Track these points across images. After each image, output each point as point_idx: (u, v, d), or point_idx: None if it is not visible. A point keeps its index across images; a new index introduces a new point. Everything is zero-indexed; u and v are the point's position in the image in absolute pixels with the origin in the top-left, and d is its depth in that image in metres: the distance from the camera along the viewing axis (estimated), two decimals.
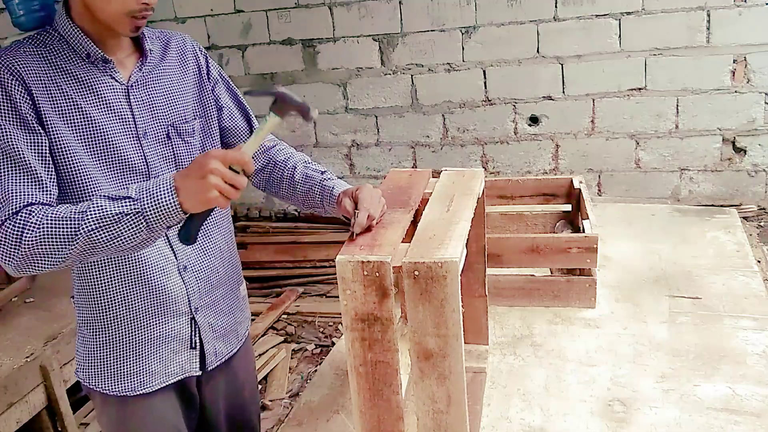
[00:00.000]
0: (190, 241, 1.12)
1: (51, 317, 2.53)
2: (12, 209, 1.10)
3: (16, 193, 1.11)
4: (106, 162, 1.22)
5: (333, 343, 3.15)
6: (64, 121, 1.17)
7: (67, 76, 1.19)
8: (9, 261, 1.10)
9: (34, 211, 1.10)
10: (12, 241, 1.08)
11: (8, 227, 1.09)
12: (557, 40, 3.63)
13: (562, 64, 3.68)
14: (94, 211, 1.07)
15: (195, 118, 1.35)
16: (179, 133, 1.32)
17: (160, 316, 1.31)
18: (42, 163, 1.15)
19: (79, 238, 1.07)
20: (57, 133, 1.17)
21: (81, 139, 1.19)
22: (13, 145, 1.12)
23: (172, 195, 1.06)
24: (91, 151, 1.20)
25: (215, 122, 1.40)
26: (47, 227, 1.08)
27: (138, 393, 1.32)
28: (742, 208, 3.57)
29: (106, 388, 1.33)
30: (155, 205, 1.06)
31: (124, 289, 1.27)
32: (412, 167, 4.06)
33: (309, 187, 1.38)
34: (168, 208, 1.06)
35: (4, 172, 1.12)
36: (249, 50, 4.13)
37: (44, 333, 2.42)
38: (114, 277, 1.27)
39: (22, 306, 2.64)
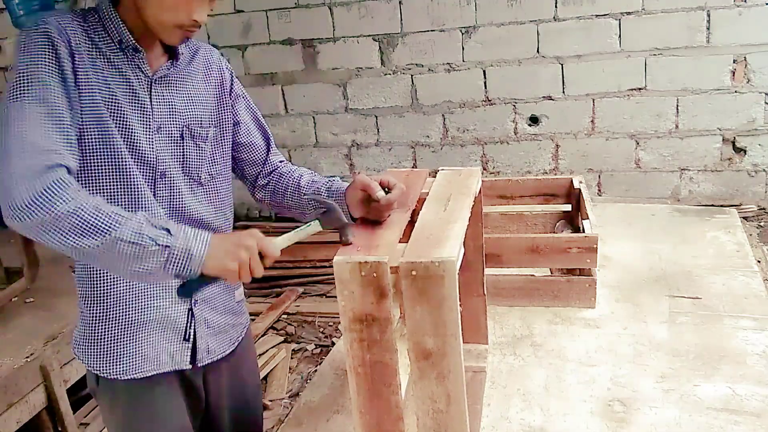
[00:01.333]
0: (187, 297, 1.16)
1: (51, 317, 2.53)
2: (47, 162, 1.06)
3: (50, 147, 1.08)
4: (120, 146, 1.23)
5: (333, 343, 3.15)
6: (95, 94, 1.19)
7: (101, 55, 1.21)
8: (26, 215, 1.03)
9: (71, 183, 1.07)
10: (45, 197, 1.03)
11: (42, 181, 1.04)
12: (557, 40, 3.63)
13: (562, 64, 3.68)
14: (135, 224, 1.07)
15: (210, 126, 1.37)
16: (192, 135, 1.33)
17: (160, 300, 1.31)
18: (74, 126, 1.16)
19: (107, 238, 1.05)
20: (88, 103, 1.18)
21: (97, 115, 1.20)
22: (54, 99, 1.12)
23: (203, 248, 1.10)
24: (110, 131, 1.21)
25: (229, 135, 1.43)
26: (84, 209, 1.05)
27: (129, 377, 1.31)
28: (742, 208, 3.57)
29: (100, 369, 1.32)
30: (185, 249, 1.08)
31: (117, 275, 1.28)
32: (412, 167, 4.06)
33: (315, 189, 1.40)
34: (194, 258, 1.09)
35: (44, 122, 1.10)
36: (249, 50, 4.13)
37: (44, 333, 2.42)
38: None
39: (22, 306, 2.64)
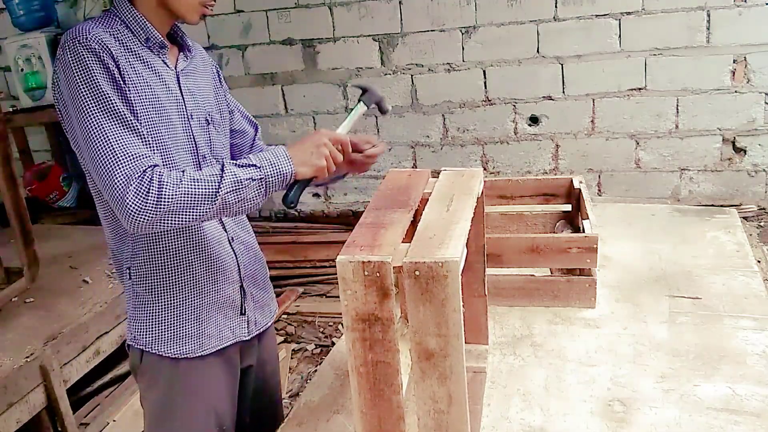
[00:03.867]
0: (295, 204, 1.29)
1: (51, 317, 2.53)
2: (141, 166, 1.18)
3: (138, 152, 1.19)
4: (162, 138, 1.30)
5: (333, 343, 3.15)
6: (140, 93, 1.26)
7: (133, 54, 1.28)
8: (145, 214, 1.16)
9: (164, 171, 1.19)
10: (153, 194, 1.16)
11: (146, 182, 1.16)
12: (557, 40, 3.63)
13: (562, 64, 3.68)
14: (228, 175, 1.20)
15: (221, 112, 1.50)
16: (214, 121, 1.44)
17: (215, 282, 1.42)
18: (141, 128, 1.24)
19: (218, 199, 1.19)
20: (137, 104, 1.26)
21: (149, 112, 1.28)
22: (120, 109, 1.21)
23: (289, 163, 1.25)
24: (153, 127, 1.29)
25: (227, 122, 1.55)
26: (188, 185, 1.18)
27: (197, 355, 1.40)
28: (742, 208, 3.57)
29: (164, 350, 1.39)
30: (276, 172, 1.23)
31: (185, 257, 1.37)
32: (412, 167, 4.06)
33: None
34: (285, 174, 1.25)
35: (120, 132, 1.19)
36: (249, 50, 4.13)
37: (44, 333, 2.41)
38: (177, 246, 1.36)
39: (22, 306, 2.64)
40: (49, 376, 2.28)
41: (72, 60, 1.20)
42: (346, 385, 1.50)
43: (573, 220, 1.98)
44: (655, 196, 3.74)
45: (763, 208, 3.64)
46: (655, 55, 3.53)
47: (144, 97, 1.27)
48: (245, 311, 1.49)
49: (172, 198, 1.16)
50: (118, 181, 1.16)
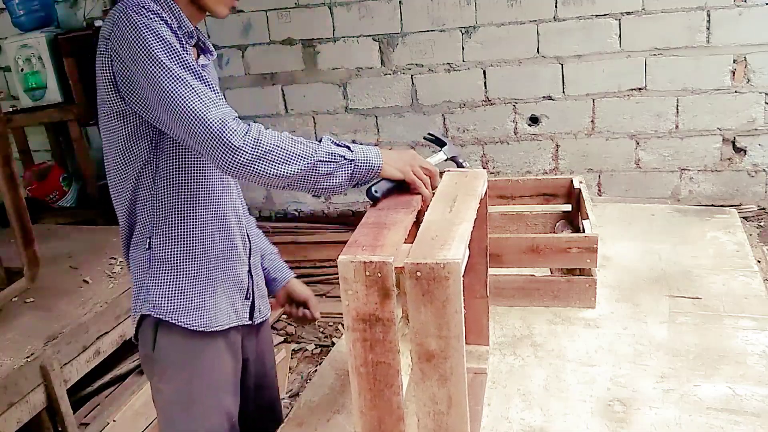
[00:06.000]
0: (378, 194, 1.27)
1: (51, 317, 2.53)
2: (233, 113, 1.20)
3: (226, 104, 1.21)
4: None
5: (333, 343, 3.15)
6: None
7: (174, 33, 1.27)
8: (244, 151, 1.16)
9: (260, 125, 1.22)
10: (253, 134, 1.17)
11: (243, 124, 1.18)
12: (557, 40, 3.63)
13: (562, 64, 3.68)
14: (325, 146, 1.23)
15: None
16: None
17: (229, 259, 1.44)
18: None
19: (310, 161, 1.20)
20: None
21: None
22: (194, 66, 1.22)
23: (379, 157, 1.27)
24: None
25: None
26: (287, 140, 1.21)
27: (211, 329, 1.41)
28: (742, 208, 3.57)
29: (182, 319, 1.39)
30: (366, 159, 1.25)
31: (209, 228, 1.40)
32: None
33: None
34: (374, 166, 1.26)
35: (201, 85, 1.20)
36: (249, 50, 4.13)
37: (44, 333, 2.41)
38: (201, 216, 1.38)
39: (22, 306, 2.64)
40: (49, 376, 2.28)
41: (139, 20, 1.20)
42: (346, 385, 1.50)
43: (573, 220, 1.98)
44: (655, 196, 3.74)
45: (763, 208, 3.64)
46: (655, 55, 3.53)
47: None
48: (250, 296, 1.52)
49: (269, 144, 1.18)
50: (214, 120, 1.17)
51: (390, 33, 3.88)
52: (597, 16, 3.54)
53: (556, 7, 3.59)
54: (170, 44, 1.20)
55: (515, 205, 2.04)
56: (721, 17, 3.40)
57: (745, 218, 3.51)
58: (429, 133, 1.57)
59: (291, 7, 3.97)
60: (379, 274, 1.00)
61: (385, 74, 3.97)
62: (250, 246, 1.53)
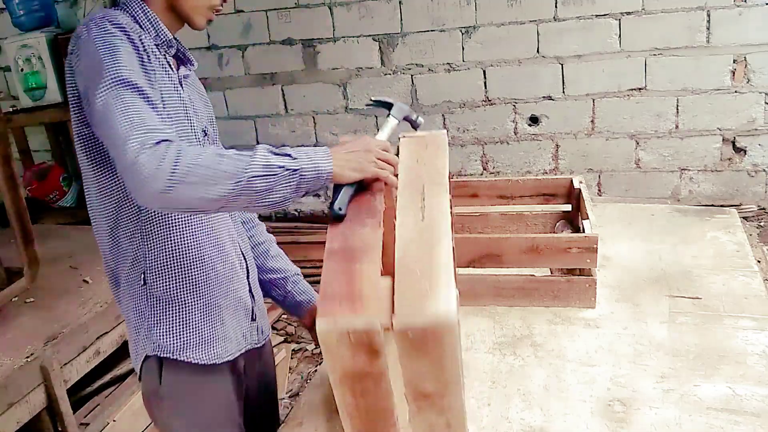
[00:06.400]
0: (342, 212, 1.12)
1: (51, 317, 2.53)
2: (157, 136, 1.06)
3: (155, 126, 1.08)
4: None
5: None
6: (159, 86, 1.20)
7: (147, 52, 1.20)
8: (158, 181, 1.03)
9: (184, 145, 1.08)
10: (169, 160, 1.03)
11: (161, 148, 1.04)
12: (557, 40, 3.63)
13: (562, 64, 3.68)
14: (260, 158, 1.07)
15: (212, 126, 1.43)
16: (208, 134, 1.38)
17: (231, 283, 1.37)
18: (163, 107, 1.18)
19: (242, 180, 1.05)
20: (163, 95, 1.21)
21: (165, 109, 1.22)
22: (139, 82, 1.12)
23: (328, 160, 1.11)
24: (181, 119, 1.26)
25: (218, 139, 1.49)
26: (211, 158, 1.05)
27: (223, 360, 1.35)
28: (742, 208, 3.57)
29: (192, 356, 1.32)
30: (313, 166, 1.09)
31: (207, 253, 1.31)
32: None
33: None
34: (322, 171, 1.10)
35: (139, 104, 1.10)
36: (249, 50, 4.13)
37: (44, 333, 2.41)
38: (197, 242, 1.30)
39: (22, 306, 2.64)
40: (49, 376, 2.28)
41: (96, 33, 1.14)
42: None
43: (573, 220, 1.98)
44: (655, 196, 3.74)
45: (763, 208, 3.64)
46: (655, 55, 3.53)
47: (161, 91, 1.21)
48: (255, 317, 1.45)
49: (189, 167, 1.03)
50: (131, 147, 1.04)
51: (390, 33, 3.88)
52: (597, 16, 3.54)
53: (556, 7, 3.59)
54: (121, 57, 1.12)
55: (515, 205, 2.04)
56: (721, 17, 3.40)
57: (745, 218, 3.51)
58: (371, 99, 1.46)
59: (291, 7, 3.97)
60: (365, 338, 0.89)
61: (385, 74, 3.97)
62: (247, 264, 1.45)
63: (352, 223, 1.09)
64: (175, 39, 1.32)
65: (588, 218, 1.76)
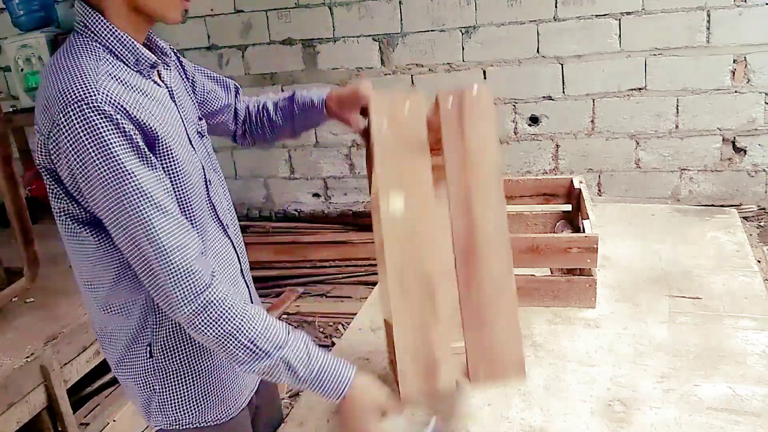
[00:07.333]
0: None
1: (51, 317, 2.53)
2: (198, 284, 1.04)
3: (193, 263, 1.04)
4: (188, 169, 1.15)
5: (333, 343, 3.15)
6: (160, 132, 1.08)
7: (131, 88, 1.07)
8: (192, 329, 1.06)
9: (224, 301, 1.06)
10: (209, 315, 1.05)
11: (214, 312, 1.05)
12: (557, 40, 3.63)
13: (562, 64, 3.68)
14: (294, 352, 1.09)
15: (200, 117, 1.34)
16: (204, 130, 1.30)
17: None
18: (180, 204, 1.10)
19: (275, 357, 1.07)
20: (165, 147, 1.08)
21: (174, 148, 1.12)
22: (156, 190, 1.03)
23: (341, 394, 1.11)
24: (182, 159, 1.14)
25: (208, 107, 1.41)
26: (247, 332, 1.07)
27: (237, 413, 1.30)
28: (742, 208, 3.57)
29: (213, 418, 1.26)
30: (323, 388, 1.11)
31: None
32: None
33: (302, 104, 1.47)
34: (330, 393, 1.11)
35: (167, 226, 1.03)
36: (249, 50, 4.13)
37: (44, 333, 2.41)
38: None
39: (22, 306, 2.64)
40: (49, 376, 2.28)
41: (82, 130, 0.98)
42: None
43: (573, 220, 1.98)
44: (655, 196, 3.74)
45: (763, 208, 3.64)
46: (655, 55, 3.53)
47: (165, 134, 1.09)
48: None
49: (223, 334, 1.06)
50: (170, 293, 1.04)
51: (390, 33, 3.88)
52: (597, 16, 3.54)
53: (556, 7, 3.59)
54: (127, 171, 1.00)
55: (515, 205, 2.04)
56: (721, 17, 3.39)
57: (745, 218, 3.51)
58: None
59: (291, 7, 3.97)
60: None
61: (385, 74, 3.97)
62: (250, 293, 1.37)
63: None
64: (154, 37, 1.20)
65: (588, 218, 1.76)
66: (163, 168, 1.08)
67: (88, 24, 1.08)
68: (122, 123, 1.00)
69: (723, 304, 1.67)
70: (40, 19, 3.96)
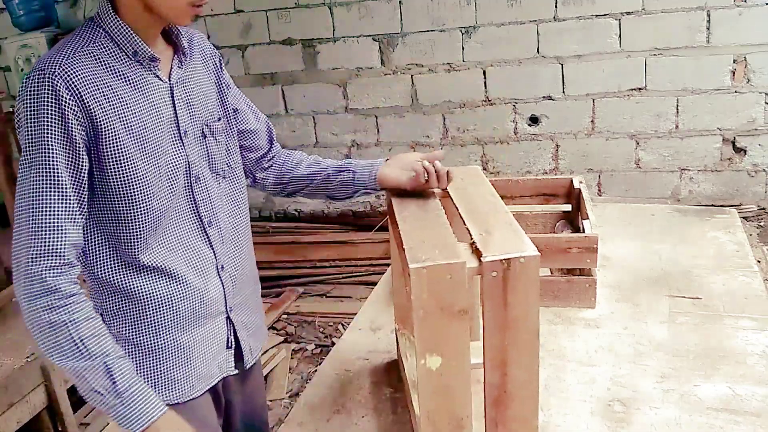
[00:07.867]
0: None
1: None
2: (48, 265, 1.12)
3: (56, 240, 1.10)
4: (154, 163, 1.19)
5: (333, 343, 3.15)
6: (120, 123, 1.14)
7: (116, 76, 1.15)
8: (21, 303, 1.18)
9: (80, 303, 1.13)
10: (36, 305, 1.18)
11: (49, 307, 1.16)
12: (557, 40, 3.63)
13: (562, 64, 3.68)
14: (106, 374, 1.12)
15: (221, 116, 1.36)
16: (212, 131, 1.32)
17: (201, 318, 1.30)
18: (81, 200, 1.14)
19: (79, 369, 1.12)
20: (115, 137, 1.13)
21: (134, 142, 1.16)
22: (61, 171, 1.10)
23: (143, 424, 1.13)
24: (142, 154, 1.17)
25: (233, 124, 1.41)
26: (74, 329, 1.13)
27: (189, 399, 1.29)
28: (742, 208, 3.57)
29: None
30: (124, 417, 1.12)
31: (167, 295, 1.25)
32: None
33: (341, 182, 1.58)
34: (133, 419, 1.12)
35: (50, 200, 1.10)
36: (249, 50, 4.13)
37: None
38: (156, 286, 1.24)
39: None
40: (49, 376, 2.28)
41: (32, 100, 1.08)
42: (346, 385, 1.50)
43: (573, 220, 1.98)
44: (655, 196, 3.74)
45: (763, 208, 3.64)
46: (655, 55, 3.53)
47: (128, 125, 1.15)
48: (232, 344, 1.37)
49: (49, 322, 1.16)
50: (20, 258, 1.13)
51: (390, 33, 3.88)
52: (597, 16, 3.54)
53: (556, 7, 3.59)
54: (45, 144, 1.08)
55: (515, 205, 2.04)
56: (721, 17, 3.40)
57: (745, 218, 3.51)
58: None
59: (291, 7, 3.97)
60: None
61: (385, 74, 3.97)
62: (224, 291, 1.34)
63: None
64: (176, 30, 1.25)
65: (588, 218, 1.76)
66: (103, 153, 1.13)
67: (99, 12, 1.18)
68: (64, 99, 1.08)
69: (723, 304, 1.67)
70: (40, 19, 3.96)
